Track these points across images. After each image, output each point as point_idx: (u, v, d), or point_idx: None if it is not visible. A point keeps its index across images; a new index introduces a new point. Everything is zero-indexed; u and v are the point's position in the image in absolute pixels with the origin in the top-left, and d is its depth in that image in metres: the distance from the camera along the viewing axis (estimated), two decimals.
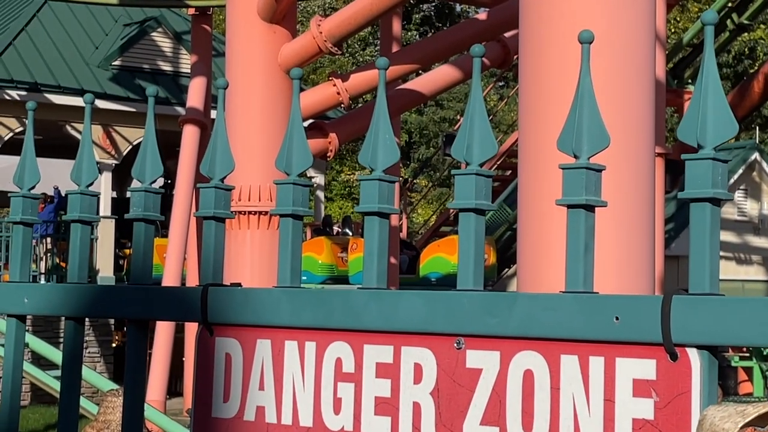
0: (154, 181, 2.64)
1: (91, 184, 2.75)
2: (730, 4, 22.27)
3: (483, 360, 2.10)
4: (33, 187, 2.86)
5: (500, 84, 40.35)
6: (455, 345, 2.14)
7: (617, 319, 1.94)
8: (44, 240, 23.40)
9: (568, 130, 2.04)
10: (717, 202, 1.91)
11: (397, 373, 2.20)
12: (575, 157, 2.04)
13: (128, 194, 2.68)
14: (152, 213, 2.63)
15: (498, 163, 26.54)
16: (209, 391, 2.46)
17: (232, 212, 2.44)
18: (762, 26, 39.98)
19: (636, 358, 1.93)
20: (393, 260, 18.34)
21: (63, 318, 2.77)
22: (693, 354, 1.88)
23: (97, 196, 2.74)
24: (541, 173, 5.78)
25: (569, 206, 2.04)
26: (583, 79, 2.04)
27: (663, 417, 1.89)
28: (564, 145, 2.05)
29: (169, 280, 19.29)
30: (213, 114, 20.89)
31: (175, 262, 19.36)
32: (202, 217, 2.54)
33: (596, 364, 1.97)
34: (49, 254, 23.50)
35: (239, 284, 2.48)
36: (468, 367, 2.12)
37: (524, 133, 6.10)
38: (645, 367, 1.92)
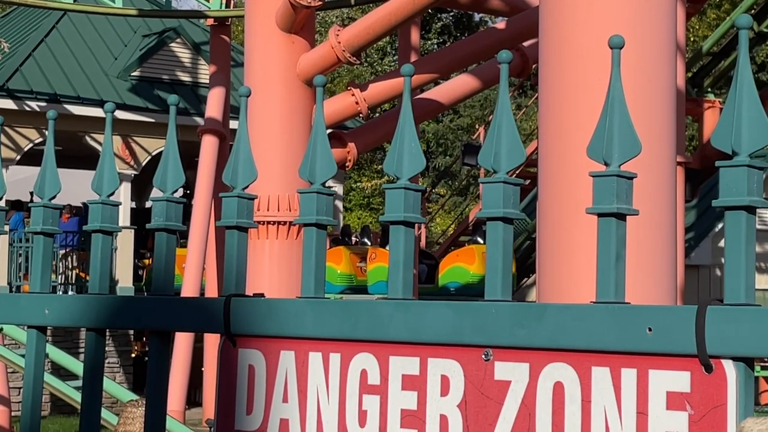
0: (176, 191, 2.61)
1: (112, 194, 2.72)
2: (752, 11, 22.17)
3: (512, 372, 2.06)
4: (54, 197, 2.83)
5: (518, 93, 40.29)
6: (483, 356, 2.09)
7: (650, 330, 1.89)
8: (66, 251, 23.43)
9: (599, 137, 2.00)
10: (753, 210, 1.86)
11: (424, 385, 2.16)
12: (605, 164, 2.00)
13: (148, 204, 2.66)
14: (174, 223, 2.60)
15: (516, 172, 26.47)
16: (232, 403, 2.43)
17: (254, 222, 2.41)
18: None
19: (670, 370, 1.88)
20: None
21: (84, 329, 2.74)
22: (729, 366, 1.83)
23: (118, 205, 2.71)
24: (562, 182, 5.73)
25: (600, 215, 1.99)
26: (614, 85, 2.00)
27: (698, 431, 1.84)
28: (594, 152, 2.01)
29: (189, 290, 19.29)
30: (231, 124, 20.90)
31: (194, 272, 19.37)
32: (224, 227, 2.51)
33: (628, 376, 1.92)
34: (68, 264, 23.53)
35: (262, 294, 2.44)
36: (496, 379, 2.08)
37: (544, 143, 6.05)
38: (679, 380, 1.87)
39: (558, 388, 2.00)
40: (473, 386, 2.10)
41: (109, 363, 23.00)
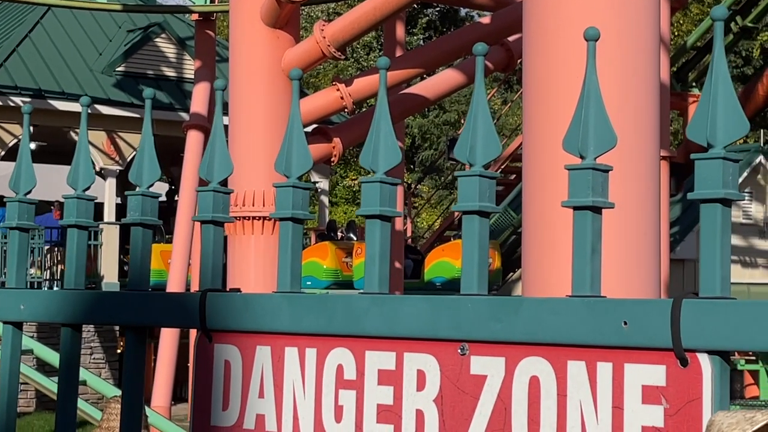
0: (151, 185, 2.59)
1: (88, 188, 2.70)
2: (734, 7, 22.20)
3: (488, 366, 2.05)
4: (29, 192, 2.81)
5: (504, 88, 40.29)
6: (459, 351, 2.08)
7: (625, 323, 1.88)
8: (51, 247, 23.38)
9: (574, 130, 1.99)
10: (728, 202, 1.85)
11: (400, 380, 2.15)
12: (581, 157, 1.99)
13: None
14: (150, 217, 2.58)
15: (502, 167, 26.47)
16: (208, 398, 2.41)
17: (233, 217, 2.40)
18: None
19: (645, 363, 1.87)
20: (398, 265, 18.28)
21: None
22: (704, 359, 1.82)
23: (93, 200, 2.69)
24: (547, 175, 5.72)
25: (575, 208, 1.98)
26: (589, 78, 1.98)
27: (673, 424, 1.83)
28: (569, 145, 2.00)
29: (174, 285, 19.25)
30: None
31: (179, 267, 19.33)
32: (200, 221, 2.49)
33: (604, 370, 1.91)
34: (54, 260, 23.48)
35: (238, 289, 2.43)
36: (472, 374, 2.07)
37: (529, 136, 6.04)
38: (654, 374, 1.86)
39: (534, 383, 1.99)
40: (449, 381, 2.09)
41: (94, 359, 22.95)
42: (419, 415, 2.12)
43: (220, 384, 2.39)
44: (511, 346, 2.01)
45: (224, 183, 2.50)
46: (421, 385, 2.12)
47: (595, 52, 1.97)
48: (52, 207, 23.75)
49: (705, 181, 1.85)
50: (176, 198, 20.38)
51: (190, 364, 20.33)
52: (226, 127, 12.43)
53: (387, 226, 2.23)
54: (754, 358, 20.25)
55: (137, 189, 2.58)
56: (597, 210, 1.98)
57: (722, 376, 1.82)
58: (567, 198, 2.00)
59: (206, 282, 2.45)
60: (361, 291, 2.24)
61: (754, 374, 20.94)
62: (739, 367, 20.31)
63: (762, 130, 36.19)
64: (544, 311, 1.97)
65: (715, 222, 1.85)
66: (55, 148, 24.38)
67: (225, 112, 13.95)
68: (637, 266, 5.93)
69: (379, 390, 2.17)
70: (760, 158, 27.90)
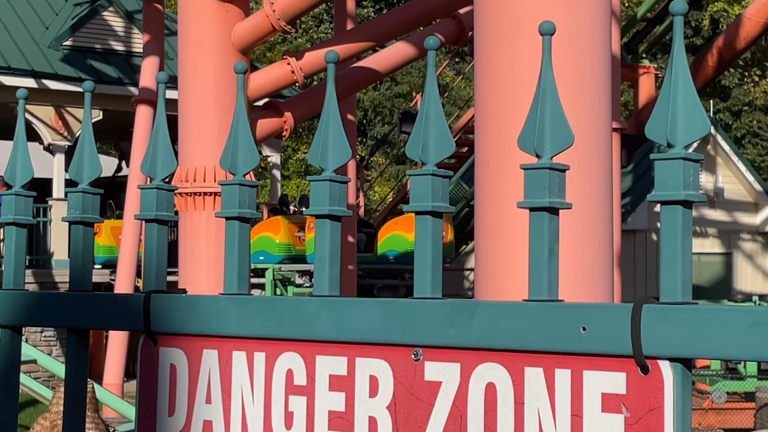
0: (92, 181, 2.49)
1: (27, 184, 2.60)
2: None
3: (442, 372, 1.98)
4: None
5: (455, 60, 40.20)
6: (413, 356, 2.01)
7: (584, 329, 1.82)
8: None
9: (530, 128, 1.92)
10: (689, 204, 1.79)
11: (352, 386, 2.07)
12: (537, 156, 1.92)
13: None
14: (91, 215, 2.49)
15: (455, 139, 26.44)
16: (153, 404, 2.33)
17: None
18: None
19: (605, 371, 1.81)
20: (351, 239, 18.21)
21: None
22: (665, 367, 1.76)
23: (32, 197, 2.59)
24: (500, 173, 5.64)
25: (532, 209, 1.91)
26: (545, 74, 1.91)
27: None
28: (525, 143, 1.93)
29: (125, 261, 19.09)
30: (167, 94, 20.58)
31: (130, 244, 19.17)
32: (144, 220, 2.40)
33: (562, 377, 1.85)
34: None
35: (184, 290, 2.34)
36: (426, 380, 2.00)
37: (480, 130, 5.95)
38: (614, 381, 1.80)
39: (490, 389, 1.93)
40: (403, 387, 2.02)
41: (45, 336, 22.73)
42: (372, 422, 2.05)
43: (166, 389, 2.31)
44: (467, 351, 1.95)
45: (168, 179, 2.41)
46: (373, 391, 2.05)
47: (550, 47, 1.90)
48: None
49: (665, 182, 1.79)
50: (125, 176, 20.16)
51: None
52: (174, 102, 12.29)
53: (337, 225, 2.15)
54: None
55: (78, 186, 2.49)
56: (554, 211, 1.91)
57: (684, 384, 1.76)
58: (522, 197, 1.93)
59: (150, 283, 2.37)
60: (312, 294, 2.16)
61: None
62: None
63: (711, 101, 36.40)
64: (500, 316, 1.90)
65: (675, 224, 1.79)
66: (2, 123, 24.02)
67: (172, 99, 13.72)
68: (591, 238, 5.88)
69: (331, 396, 2.10)
70: (710, 128, 28.07)
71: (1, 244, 23.12)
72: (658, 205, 1.82)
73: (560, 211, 1.94)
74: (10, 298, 2.55)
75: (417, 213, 2.04)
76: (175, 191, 2.37)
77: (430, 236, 2.03)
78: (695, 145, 27.62)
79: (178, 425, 2.30)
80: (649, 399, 1.77)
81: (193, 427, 2.28)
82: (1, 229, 22.96)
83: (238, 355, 2.22)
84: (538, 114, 1.91)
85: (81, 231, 2.49)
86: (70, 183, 25.66)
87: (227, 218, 2.27)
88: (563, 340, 1.84)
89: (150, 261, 2.37)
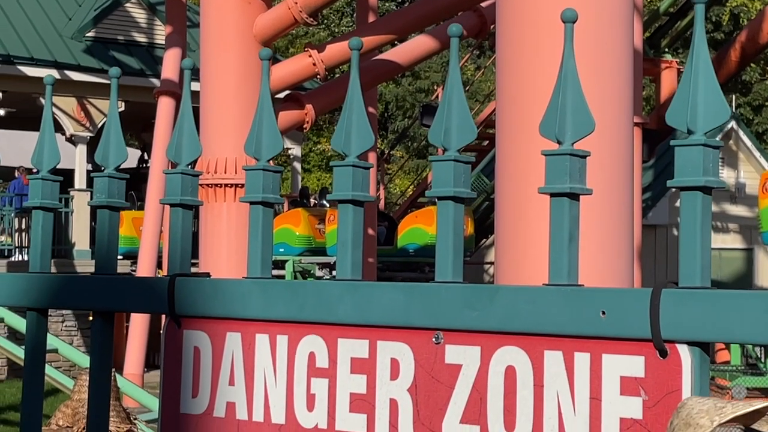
0: (118, 167, 2.52)
1: (53, 168, 2.64)
2: None
3: (463, 355, 2.00)
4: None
5: (476, 53, 40.15)
6: (433, 339, 2.04)
7: (603, 313, 1.84)
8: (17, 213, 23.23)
9: (551, 115, 1.94)
10: (708, 190, 1.81)
11: (373, 368, 2.10)
12: (558, 142, 1.94)
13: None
14: (117, 200, 2.52)
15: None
16: (177, 386, 2.36)
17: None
18: None
19: (623, 354, 1.83)
20: (371, 231, 18.24)
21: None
22: (683, 350, 1.78)
23: (59, 182, 2.62)
24: (521, 159, 5.66)
25: (552, 195, 1.94)
26: (567, 62, 1.93)
27: (652, 416, 1.80)
28: (546, 130, 1.95)
29: (145, 252, 19.16)
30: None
31: (151, 235, 19.23)
32: (168, 204, 2.43)
33: (581, 360, 1.87)
34: (23, 226, 23.32)
35: (208, 274, 2.37)
36: (447, 363, 2.02)
37: (502, 118, 5.98)
38: (633, 364, 1.82)
39: (510, 372, 1.95)
40: (423, 370, 2.05)
41: (66, 326, 22.83)
42: (393, 405, 2.08)
43: (190, 371, 2.34)
44: (487, 335, 1.97)
45: (193, 165, 2.44)
46: (394, 373, 2.08)
47: (572, 35, 1.92)
48: (17, 172, 23.58)
49: (685, 168, 1.81)
50: (148, 164, 20.23)
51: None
52: (196, 93, 12.33)
53: (360, 211, 2.17)
54: None
55: (104, 170, 2.52)
56: (574, 197, 1.93)
57: (702, 368, 1.78)
58: (542, 183, 1.96)
59: (175, 266, 2.40)
60: (334, 277, 2.19)
61: None
62: None
63: (733, 96, 36.26)
64: (520, 300, 1.93)
65: (695, 210, 1.81)
66: (25, 114, 24.13)
67: (194, 90, 13.75)
68: (612, 232, 5.90)
69: (352, 378, 2.13)
70: (732, 123, 27.93)
71: (16, 233, 23.26)
72: (678, 201, 1.83)
73: (581, 197, 1.96)
74: (36, 281, 2.59)
75: (439, 198, 2.06)
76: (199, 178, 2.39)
77: (452, 221, 2.05)
78: (717, 139, 27.54)
79: (202, 406, 2.33)
80: (667, 382, 1.79)
81: (216, 409, 2.31)
82: (17, 219, 23.11)
83: (261, 338, 2.25)
84: (559, 100, 1.93)
85: (107, 215, 2.52)
86: (91, 174, 25.78)
87: (251, 203, 2.30)
88: (582, 324, 1.86)
89: (174, 245, 2.41)
